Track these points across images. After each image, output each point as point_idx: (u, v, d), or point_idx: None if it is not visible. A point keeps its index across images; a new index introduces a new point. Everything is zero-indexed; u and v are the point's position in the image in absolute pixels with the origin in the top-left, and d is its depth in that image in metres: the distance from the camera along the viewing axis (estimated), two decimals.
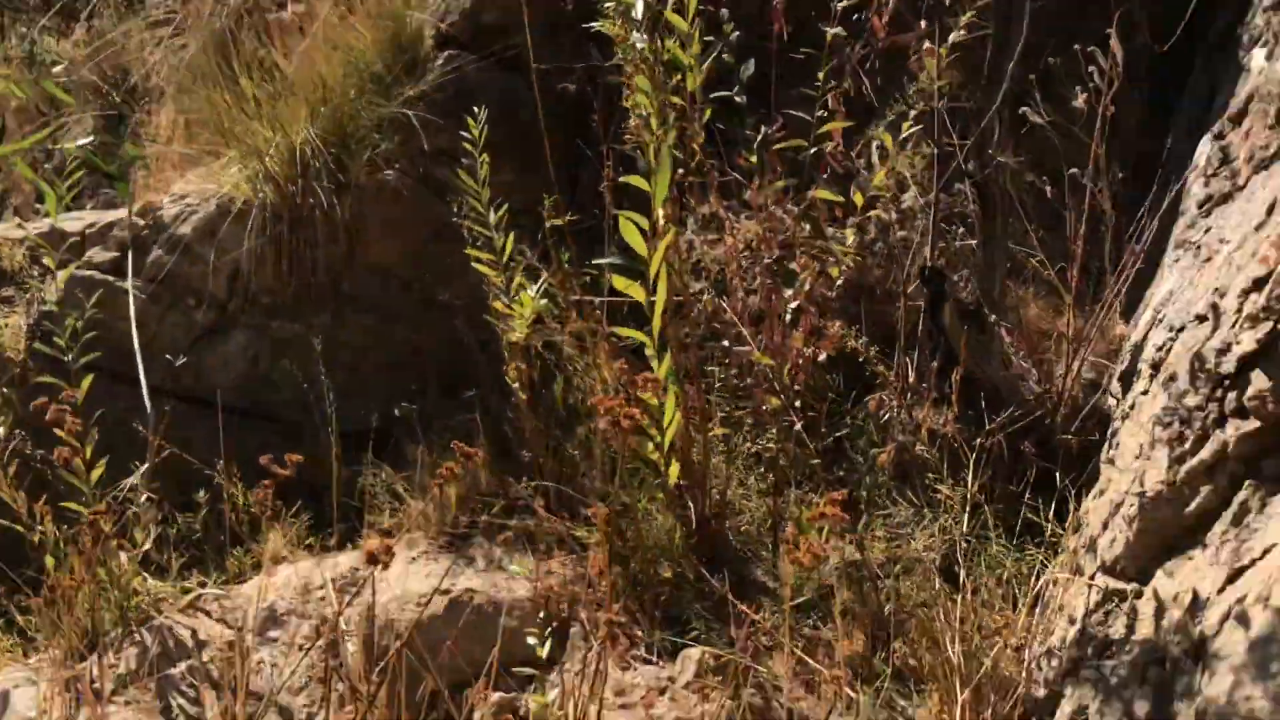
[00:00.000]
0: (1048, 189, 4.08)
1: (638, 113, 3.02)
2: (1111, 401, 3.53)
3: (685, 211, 4.14)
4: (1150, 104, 4.76)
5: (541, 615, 3.06)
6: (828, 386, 3.93)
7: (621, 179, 2.95)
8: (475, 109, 3.69)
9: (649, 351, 3.00)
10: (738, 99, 3.59)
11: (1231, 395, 2.44)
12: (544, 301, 3.56)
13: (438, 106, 5.01)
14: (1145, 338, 3.07)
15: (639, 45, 2.96)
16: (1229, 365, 2.44)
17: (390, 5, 5.31)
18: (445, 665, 3.11)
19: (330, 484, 3.93)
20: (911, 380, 3.77)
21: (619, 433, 1.81)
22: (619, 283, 2.86)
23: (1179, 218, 3.81)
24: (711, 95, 3.54)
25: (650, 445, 3.19)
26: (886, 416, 3.77)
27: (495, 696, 3.28)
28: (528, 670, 3.20)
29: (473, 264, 3.73)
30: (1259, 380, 2.35)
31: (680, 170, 3.93)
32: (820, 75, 3.32)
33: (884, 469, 3.63)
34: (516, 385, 3.79)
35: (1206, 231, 3.46)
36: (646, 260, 2.85)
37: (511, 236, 3.67)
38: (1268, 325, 2.35)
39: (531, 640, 2.79)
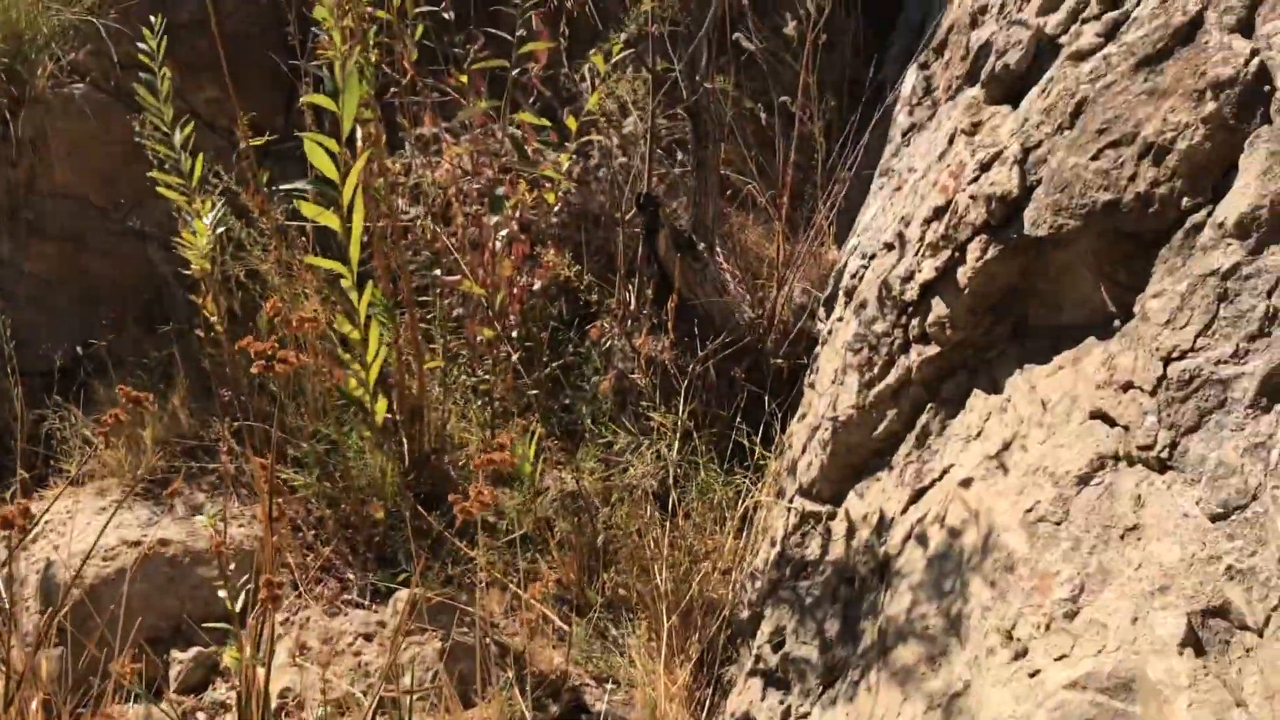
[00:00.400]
0: (762, 116, 4.12)
1: (326, 28, 2.80)
2: (819, 326, 3.62)
3: (402, 133, 3.94)
4: (867, 31, 4.88)
5: (233, 565, 2.89)
6: (549, 315, 3.86)
7: (305, 99, 2.73)
8: (175, 16, 3.36)
9: (346, 284, 2.82)
10: (445, 15, 3.41)
11: (915, 321, 2.52)
12: (221, 231, 3.29)
13: (131, 14, 4.59)
14: (846, 265, 3.14)
15: None
16: (912, 292, 2.51)
17: None
18: (136, 621, 2.90)
19: (14, 430, 3.57)
20: (632, 308, 3.75)
21: (276, 376, 1.65)
22: (308, 209, 2.66)
23: (887, 146, 3.92)
24: (418, 10, 3.34)
25: (354, 381, 3.03)
26: (608, 344, 3.74)
27: (193, 651, 3.10)
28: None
29: (158, 189, 3.42)
30: (939, 306, 2.43)
31: (392, 89, 3.73)
32: None
33: (605, 397, 3.60)
34: (215, 319, 3.53)
35: (905, 161, 3.56)
36: (339, 185, 2.67)
37: (200, 158, 3.38)
38: (946, 253, 2.42)
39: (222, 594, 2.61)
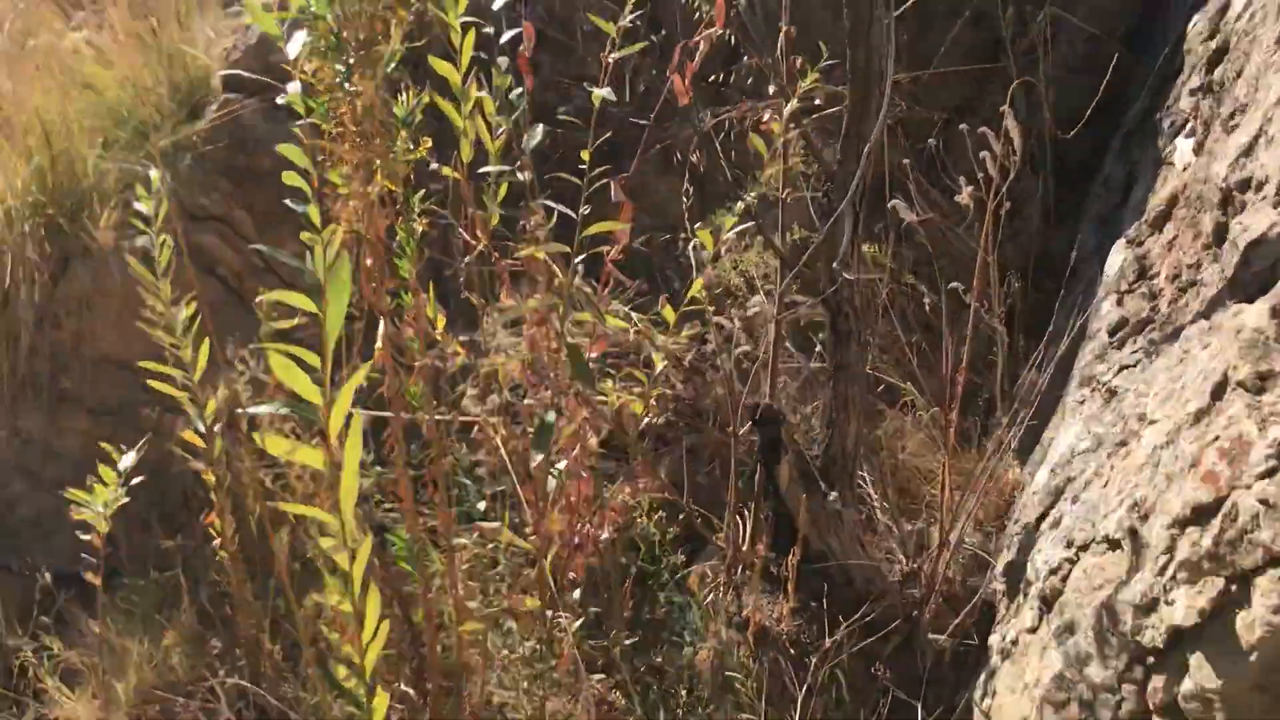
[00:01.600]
0: (926, 299, 3.26)
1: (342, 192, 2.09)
2: (996, 590, 2.67)
3: (482, 312, 3.23)
4: (1056, 198, 3.98)
5: None
6: (633, 552, 3.02)
7: (262, 297, 2.01)
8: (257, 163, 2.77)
9: (328, 544, 2.05)
10: (521, 175, 2.69)
11: (1159, 682, 1.57)
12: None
13: (208, 160, 4.09)
14: (1039, 548, 2.20)
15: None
16: (1155, 635, 1.57)
17: (163, 36, 4.36)
18: None
19: None
20: (744, 549, 2.87)
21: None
22: (274, 446, 1.92)
23: (1085, 342, 3.03)
24: (479, 170, 2.64)
25: (342, 669, 2.23)
26: (710, 596, 2.87)
27: None
28: None
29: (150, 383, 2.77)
30: (1201, 672, 1.49)
31: (465, 260, 3.02)
32: (585, 154, 2.43)
33: (700, 677, 2.71)
34: (217, 540, 2.83)
35: (1119, 372, 2.66)
36: (320, 412, 1.92)
37: (206, 344, 2.72)
38: (1217, 583, 1.49)
39: None
